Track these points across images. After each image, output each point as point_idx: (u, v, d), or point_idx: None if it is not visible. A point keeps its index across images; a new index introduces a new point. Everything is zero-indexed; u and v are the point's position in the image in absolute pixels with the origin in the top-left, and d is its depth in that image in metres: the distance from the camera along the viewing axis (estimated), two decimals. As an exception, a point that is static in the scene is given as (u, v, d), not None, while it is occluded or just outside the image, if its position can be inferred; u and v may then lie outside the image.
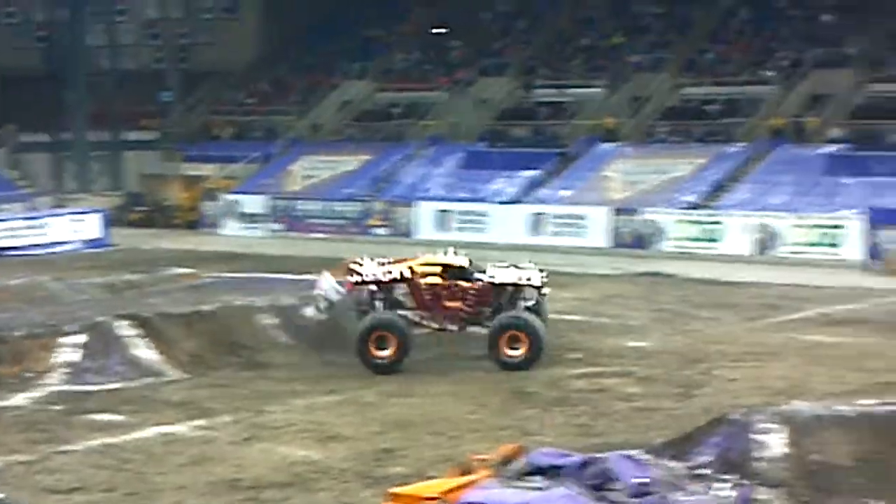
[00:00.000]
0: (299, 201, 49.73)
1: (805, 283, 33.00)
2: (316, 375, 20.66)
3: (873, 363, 21.18)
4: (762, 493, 12.77)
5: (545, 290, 21.81)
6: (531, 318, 20.99)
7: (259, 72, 60.66)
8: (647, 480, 12.23)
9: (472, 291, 21.28)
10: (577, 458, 12.63)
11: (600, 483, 12.19)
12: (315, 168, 51.99)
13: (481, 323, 21.37)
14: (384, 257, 22.34)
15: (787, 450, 13.22)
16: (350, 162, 51.55)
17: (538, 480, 12.44)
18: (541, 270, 21.90)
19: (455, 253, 22.11)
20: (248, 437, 16.65)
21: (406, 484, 12.81)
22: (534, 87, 53.11)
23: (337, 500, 13.55)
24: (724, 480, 12.72)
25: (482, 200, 46.45)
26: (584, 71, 52.99)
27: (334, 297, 21.98)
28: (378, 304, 21.46)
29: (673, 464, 12.84)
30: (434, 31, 58.97)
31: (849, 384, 19.24)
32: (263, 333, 22.44)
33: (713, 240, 41.21)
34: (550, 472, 12.55)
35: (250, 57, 61.42)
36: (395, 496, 12.47)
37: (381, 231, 47.09)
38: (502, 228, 44.37)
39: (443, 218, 45.94)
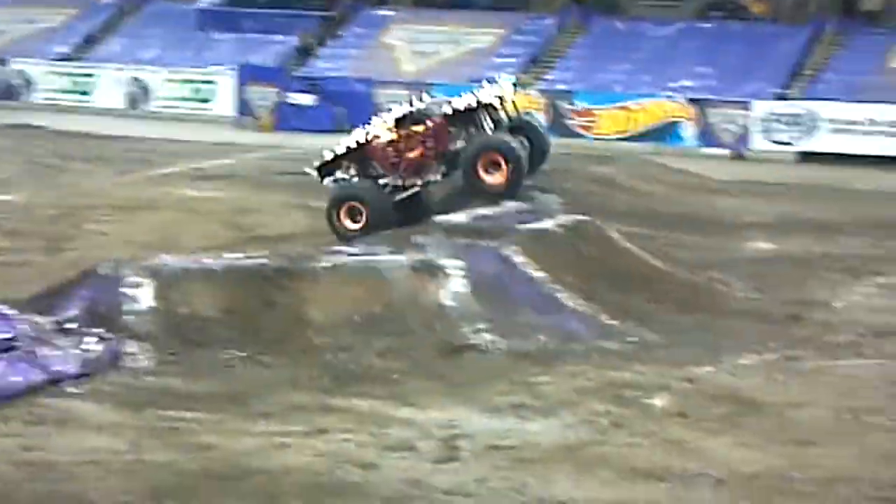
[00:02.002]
0: None
1: (177, 138, 33.18)
2: None
3: (243, 218, 21.59)
4: (130, 347, 12.81)
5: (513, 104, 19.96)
6: (509, 138, 19.11)
7: None
8: (13, 335, 11.98)
9: (428, 133, 19.42)
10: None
11: (-37, 340, 11.85)
12: None
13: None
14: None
15: (154, 303, 13.31)
16: None
17: None
18: (514, 84, 20.28)
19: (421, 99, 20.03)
20: None
21: None
22: None
23: None
24: (93, 334, 12.65)
25: None
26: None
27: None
28: (353, 180, 19.49)
29: (40, 318, 12.64)
30: None
31: (219, 238, 19.53)
32: None
33: (85, 92, 40.59)
34: None
35: None
36: None
37: None
38: None
39: None
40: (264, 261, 14.24)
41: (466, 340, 13.44)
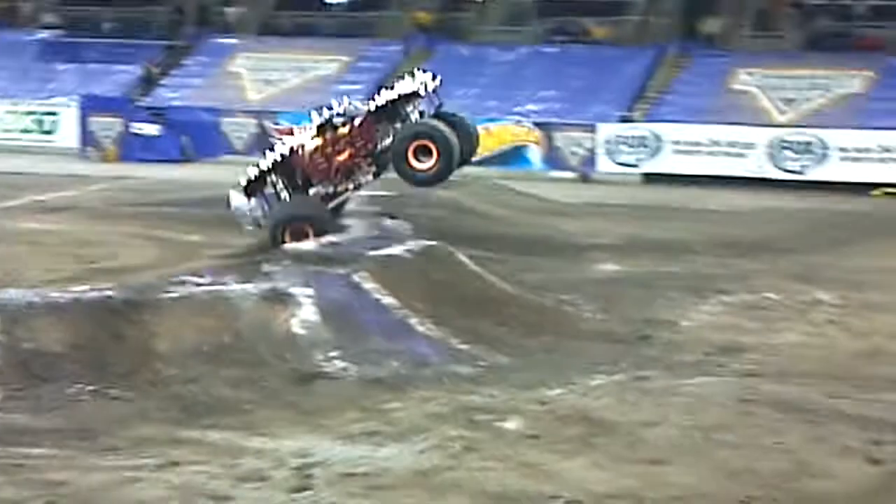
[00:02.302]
0: None
1: (20, 171, 32.69)
2: None
3: (88, 250, 21.27)
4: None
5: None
6: (439, 124, 18.34)
7: None
8: None
9: (353, 134, 18.73)
10: None
11: None
12: None
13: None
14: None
15: (-2, 339, 13.05)
16: None
17: None
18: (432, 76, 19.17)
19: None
20: None
21: None
22: None
23: None
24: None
25: None
26: None
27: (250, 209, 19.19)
28: (283, 194, 18.80)
29: None
30: None
31: (65, 271, 19.19)
32: None
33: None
34: None
35: None
36: None
37: None
38: None
39: None
40: (111, 293, 14.01)
41: (317, 368, 13.37)
